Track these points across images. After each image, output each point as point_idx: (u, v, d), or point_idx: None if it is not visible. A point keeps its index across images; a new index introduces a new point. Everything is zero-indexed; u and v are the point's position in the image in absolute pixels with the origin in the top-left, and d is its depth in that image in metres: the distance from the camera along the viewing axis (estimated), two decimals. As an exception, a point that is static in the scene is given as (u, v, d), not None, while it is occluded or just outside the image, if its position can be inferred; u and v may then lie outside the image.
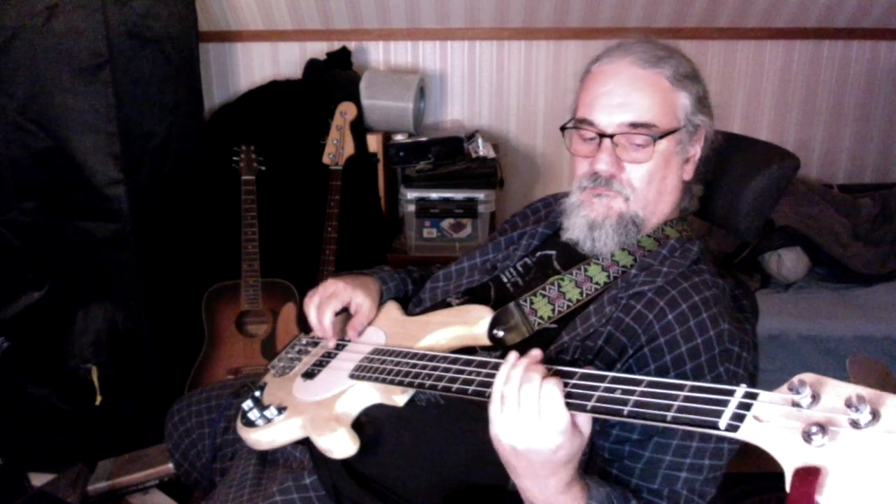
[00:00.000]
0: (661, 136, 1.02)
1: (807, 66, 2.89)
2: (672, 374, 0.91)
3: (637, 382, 0.72)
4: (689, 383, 0.69)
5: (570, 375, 0.78)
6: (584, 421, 0.78)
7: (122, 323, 2.07)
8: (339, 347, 1.18)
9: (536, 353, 0.80)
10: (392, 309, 1.23)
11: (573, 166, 1.11)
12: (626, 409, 0.71)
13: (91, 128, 1.89)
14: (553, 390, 0.75)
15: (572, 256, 1.10)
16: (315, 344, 1.24)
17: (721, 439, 0.90)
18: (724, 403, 0.64)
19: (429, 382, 0.91)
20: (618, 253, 1.06)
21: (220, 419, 1.28)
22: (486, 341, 1.04)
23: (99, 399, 2.06)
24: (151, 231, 2.06)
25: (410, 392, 1.00)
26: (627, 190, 1.03)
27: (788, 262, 2.43)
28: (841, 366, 2.18)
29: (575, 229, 1.07)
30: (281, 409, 1.08)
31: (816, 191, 2.74)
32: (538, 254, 1.16)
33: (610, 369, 0.93)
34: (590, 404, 0.74)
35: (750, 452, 0.94)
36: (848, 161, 3.03)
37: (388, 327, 1.17)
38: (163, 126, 2.12)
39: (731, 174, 1.18)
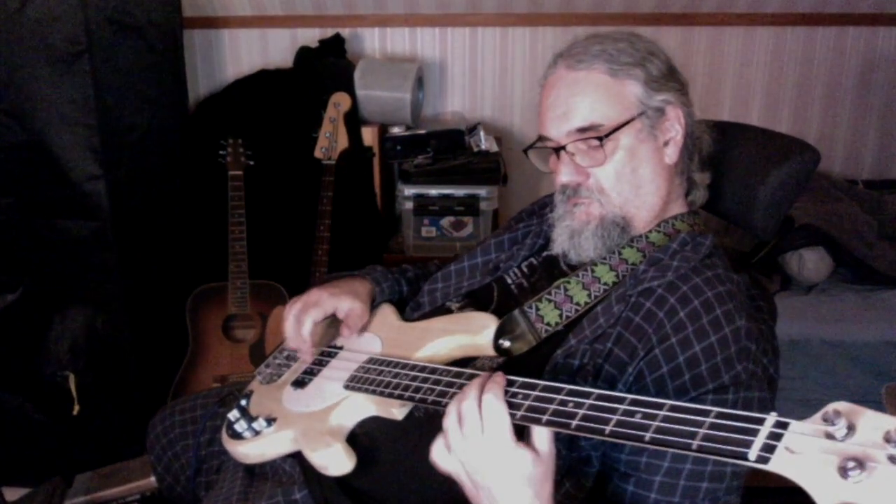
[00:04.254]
0: (608, 134, 1.04)
1: (830, 53, 2.89)
2: (687, 375, 0.91)
3: (659, 406, 0.72)
4: (716, 409, 0.69)
5: (586, 396, 0.78)
6: (542, 439, 0.81)
7: (102, 327, 2.07)
8: (332, 354, 1.17)
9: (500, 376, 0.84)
10: (388, 313, 1.22)
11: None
12: (648, 435, 0.71)
13: (69, 120, 1.89)
14: (491, 403, 0.79)
15: None
16: None
17: None
18: (754, 433, 0.64)
19: (431, 398, 0.91)
20: (626, 251, 1.07)
21: (203, 430, 1.28)
22: (490, 351, 1.04)
23: (77, 408, 2.06)
24: (133, 230, 2.06)
25: (410, 405, 0.99)
26: (597, 194, 1.06)
27: (810, 262, 2.43)
28: (866, 372, 2.18)
29: (558, 241, 1.10)
30: (270, 421, 1.08)
31: (840, 187, 2.74)
32: (544, 253, 1.17)
33: (621, 373, 0.93)
34: (608, 428, 0.74)
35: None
36: (873, 155, 3.03)
37: (384, 333, 1.17)
38: (145, 118, 2.12)
39: (747, 168, 1.18)
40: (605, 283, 1.05)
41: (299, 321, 1.15)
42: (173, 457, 1.32)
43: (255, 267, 2.27)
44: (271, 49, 2.86)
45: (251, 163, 2.33)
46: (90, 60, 1.87)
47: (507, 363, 1.02)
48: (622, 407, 0.74)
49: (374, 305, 1.24)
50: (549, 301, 1.06)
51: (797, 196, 1.17)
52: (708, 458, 0.89)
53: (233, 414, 1.11)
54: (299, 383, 1.14)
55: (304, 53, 2.71)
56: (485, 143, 2.62)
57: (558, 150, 1.07)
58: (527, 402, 0.81)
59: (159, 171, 2.20)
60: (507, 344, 1.03)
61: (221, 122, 2.54)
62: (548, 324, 1.04)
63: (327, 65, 2.67)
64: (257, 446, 1.07)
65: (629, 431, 0.72)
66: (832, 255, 2.44)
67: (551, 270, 1.13)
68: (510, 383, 0.84)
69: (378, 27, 2.85)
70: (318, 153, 2.32)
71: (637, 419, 0.72)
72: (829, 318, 2.26)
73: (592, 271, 1.07)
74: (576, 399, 0.78)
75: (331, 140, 2.32)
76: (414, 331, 1.14)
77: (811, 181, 2.70)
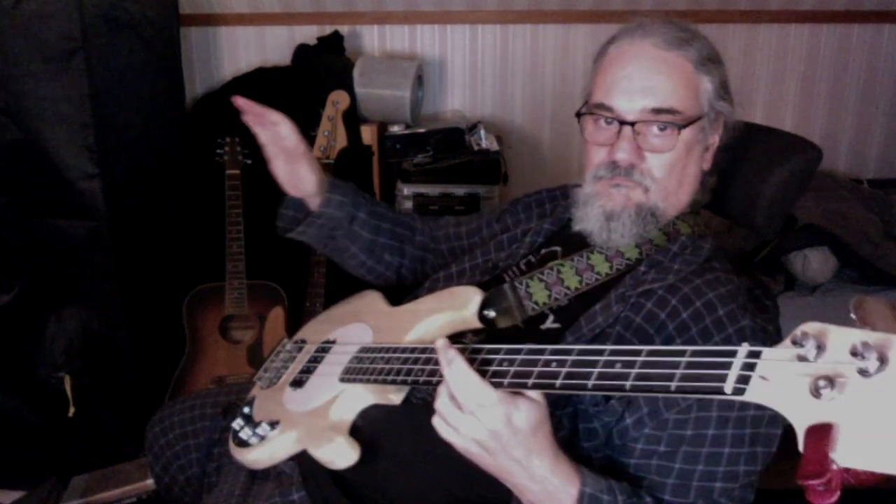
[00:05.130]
0: (686, 125, 1.02)
1: (834, 51, 2.89)
2: None
3: (636, 353, 0.74)
4: (691, 348, 0.70)
5: (568, 353, 0.80)
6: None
7: (98, 328, 2.07)
8: (326, 350, 1.18)
9: (442, 343, 0.85)
10: (376, 300, 1.24)
11: (584, 157, 1.11)
12: (629, 383, 0.72)
13: (63, 118, 1.89)
14: (457, 371, 0.81)
15: (574, 247, 1.10)
16: (300, 349, 1.24)
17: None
18: (728, 366, 0.65)
19: (423, 378, 0.92)
20: (625, 246, 1.07)
21: (209, 442, 1.28)
22: (477, 324, 1.04)
23: (72, 410, 2.06)
24: (129, 229, 2.06)
25: (406, 389, 1.01)
26: (648, 180, 1.03)
27: (815, 262, 2.43)
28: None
29: (590, 220, 1.07)
30: (273, 424, 1.09)
31: (844, 186, 2.74)
32: (542, 251, 1.17)
33: None
34: (590, 382, 0.75)
35: (772, 468, 0.95)
36: (879, 154, 3.03)
37: (373, 321, 1.18)
38: (141, 117, 2.12)
39: (749, 167, 1.19)
40: (598, 273, 1.05)
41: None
42: (173, 457, 1.33)
43: (253, 267, 2.27)
44: (269, 47, 2.85)
45: (249, 162, 2.33)
46: (85, 58, 1.87)
47: (491, 338, 1.02)
48: (602, 359, 0.76)
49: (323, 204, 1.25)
50: (541, 281, 1.06)
51: (800, 194, 1.18)
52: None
53: (237, 423, 1.12)
54: (297, 383, 1.15)
55: (302, 51, 2.71)
56: (485, 141, 2.62)
57: (624, 123, 1.03)
58: (512, 368, 0.82)
59: (156, 171, 2.20)
60: (491, 314, 1.02)
61: (219, 120, 2.54)
62: (535, 303, 1.05)
63: (326, 63, 2.66)
64: (265, 451, 1.08)
65: (611, 382, 0.74)
66: (837, 255, 2.44)
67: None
68: (495, 351, 0.85)
69: (377, 24, 2.85)
70: (316, 152, 2.32)
71: (617, 369, 0.74)
72: (834, 319, 2.23)
73: (588, 258, 1.07)
74: (559, 357, 0.79)
75: (329, 139, 2.32)
76: (403, 314, 1.15)
77: (814, 180, 2.71)
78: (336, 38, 2.74)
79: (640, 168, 1.03)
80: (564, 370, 0.78)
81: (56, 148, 1.90)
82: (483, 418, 0.81)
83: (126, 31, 2.04)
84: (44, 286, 2.03)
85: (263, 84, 2.66)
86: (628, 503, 0.88)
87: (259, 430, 1.09)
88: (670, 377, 0.69)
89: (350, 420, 1.03)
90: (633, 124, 1.02)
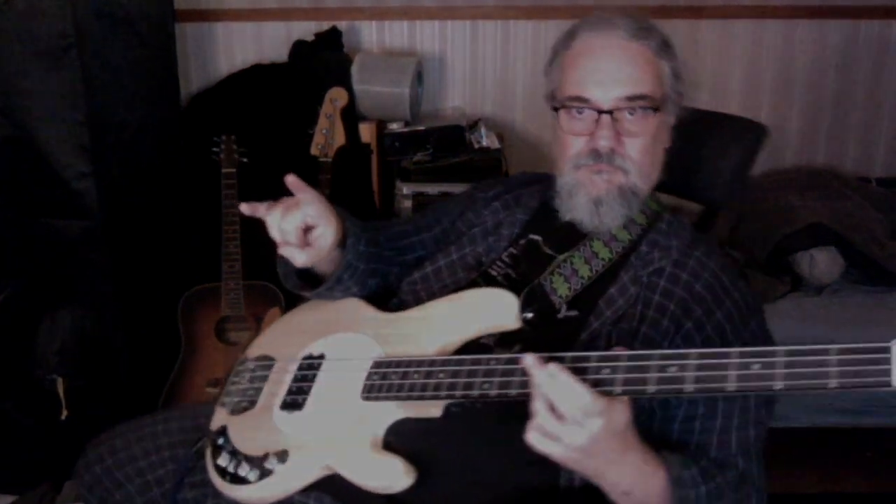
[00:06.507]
0: (658, 108, 1.09)
1: (841, 48, 2.89)
2: (718, 342, 1.02)
3: (773, 354, 0.77)
4: (832, 346, 0.74)
5: (686, 357, 0.82)
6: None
7: (92, 330, 2.07)
8: (316, 366, 1.10)
9: (532, 358, 0.85)
10: (360, 307, 1.17)
11: (556, 148, 1.16)
12: (779, 383, 0.75)
13: (57, 116, 1.89)
14: (563, 385, 0.83)
15: (563, 238, 1.15)
16: (269, 367, 1.15)
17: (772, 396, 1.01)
18: (886, 361, 0.70)
19: (495, 391, 0.91)
20: (615, 228, 1.13)
21: (181, 483, 1.13)
22: (513, 326, 1.04)
23: (65, 413, 2.06)
24: (124, 229, 2.06)
25: (444, 402, 0.97)
26: (628, 164, 1.10)
27: (821, 263, 2.42)
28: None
29: (578, 209, 1.12)
30: (281, 456, 1.01)
31: (852, 185, 2.74)
32: (521, 241, 1.19)
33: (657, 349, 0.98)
34: (727, 384, 0.78)
35: (772, 472, 0.99)
36: (886, 152, 3.02)
37: (371, 330, 1.10)
38: (136, 114, 2.12)
39: (708, 150, 1.34)
40: (602, 258, 1.12)
41: (285, 217, 1.15)
42: (123, 500, 1.18)
43: (250, 267, 2.27)
44: (266, 43, 2.85)
45: (245, 160, 2.32)
46: (79, 55, 1.86)
47: (528, 337, 1.03)
48: (737, 360, 0.79)
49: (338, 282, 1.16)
50: (560, 274, 1.11)
51: (751, 166, 1.33)
52: (749, 404, 1.01)
53: (223, 459, 1.05)
54: (293, 405, 1.06)
55: (299, 47, 2.71)
56: (486, 139, 2.63)
57: (601, 113, 1.08)
58: (619, 376, 0.85)
59: (151, 169, 2.20)
60: (530, 316, 1.07)
61: (215, 118, 2.54)
62: (560, 296, 1.10)
63: (323, 59, 2.66)
64: (277, 484, 1.01)
65: (758, 384, 0.77)
66: (843, 254, 2.44)
67: (537, 255, 1.16)
68: (584, 359, 0.87)
69: (376, 20, 2.85)
70: (314, 150, 2.32)
71: (755, 370, 0.77)
72: (840, 320, 2.26)
73: (591, 246, 1.13)
74: (678, 362, 0.82)
75: (327, 137, 2.32)
76: (409, 322, 1.10)
77: (820, 178, 2.71)
78: (334, 34, 2.73)
79: (620, 153, 1.09)
80: (691, 374, 0.81)
81: (50, 146, 1.90)
82: (587, 426, 0.84)
83: (120, 27, 2.04)
84: (37, 287, 2.03)
85: (260, 81, 2.66)
86: (696, 471, 0.95)
87: (267, 465, 1.01)
88: (824, 375, 0.73)
89: (381, 438, 0.98)
90: (610, 112, 1.08)
